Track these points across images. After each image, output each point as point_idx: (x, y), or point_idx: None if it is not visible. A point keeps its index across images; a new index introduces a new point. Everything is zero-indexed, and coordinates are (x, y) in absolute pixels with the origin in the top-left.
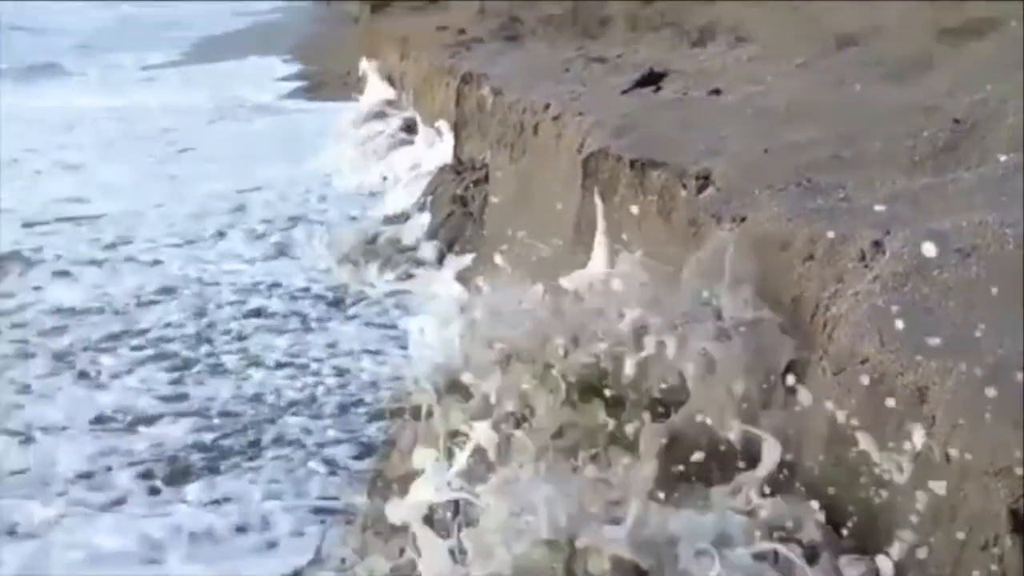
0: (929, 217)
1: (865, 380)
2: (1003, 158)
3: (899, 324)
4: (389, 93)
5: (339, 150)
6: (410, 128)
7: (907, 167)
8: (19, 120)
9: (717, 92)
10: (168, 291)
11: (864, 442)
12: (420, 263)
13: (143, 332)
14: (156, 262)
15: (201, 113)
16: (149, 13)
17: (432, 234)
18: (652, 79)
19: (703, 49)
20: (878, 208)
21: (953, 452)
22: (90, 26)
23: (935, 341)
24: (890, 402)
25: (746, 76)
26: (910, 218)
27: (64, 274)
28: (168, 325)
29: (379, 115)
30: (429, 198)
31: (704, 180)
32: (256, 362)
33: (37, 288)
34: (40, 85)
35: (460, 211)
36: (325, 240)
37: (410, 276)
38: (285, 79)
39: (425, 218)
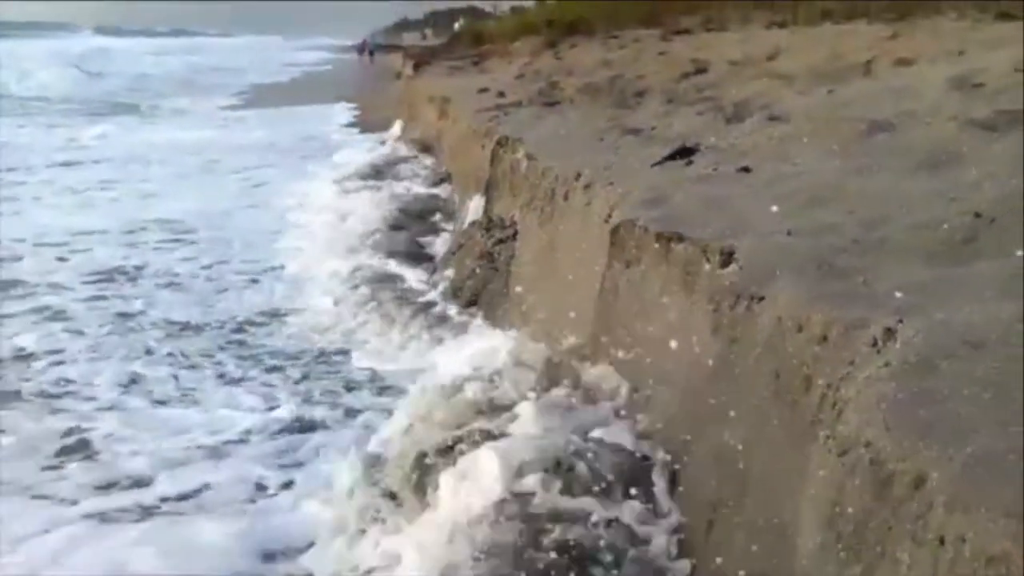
0: (943, 307)
1: (868, 464)
2: (1020, 253)
3: (905, 411)
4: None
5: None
6: (443, 181)
7: (926, 256)
8: (99, 153)
9: (747, 170)
10: (271, 313)
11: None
12: (439, 318)
13: (257, 345)
14: (255, 281)
15: (275, 151)
16: (209, 63)
17: (456, 288)
18: (684, 153)
19: (737, 125)
20: (894, 295)
21: (948, 538)
22: (158, 71)
23: (938, 430)
24: (891, 487)
25: (776, 155)
26: (924, 307)
27: (170, 286)
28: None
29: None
30: (455, 253)
31: (728, 257)
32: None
33: (146, 298)
34: (116, 123)
35: (487, 267)
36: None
37: (430, 329)
38: (350, 125)
39: (450, 272)
